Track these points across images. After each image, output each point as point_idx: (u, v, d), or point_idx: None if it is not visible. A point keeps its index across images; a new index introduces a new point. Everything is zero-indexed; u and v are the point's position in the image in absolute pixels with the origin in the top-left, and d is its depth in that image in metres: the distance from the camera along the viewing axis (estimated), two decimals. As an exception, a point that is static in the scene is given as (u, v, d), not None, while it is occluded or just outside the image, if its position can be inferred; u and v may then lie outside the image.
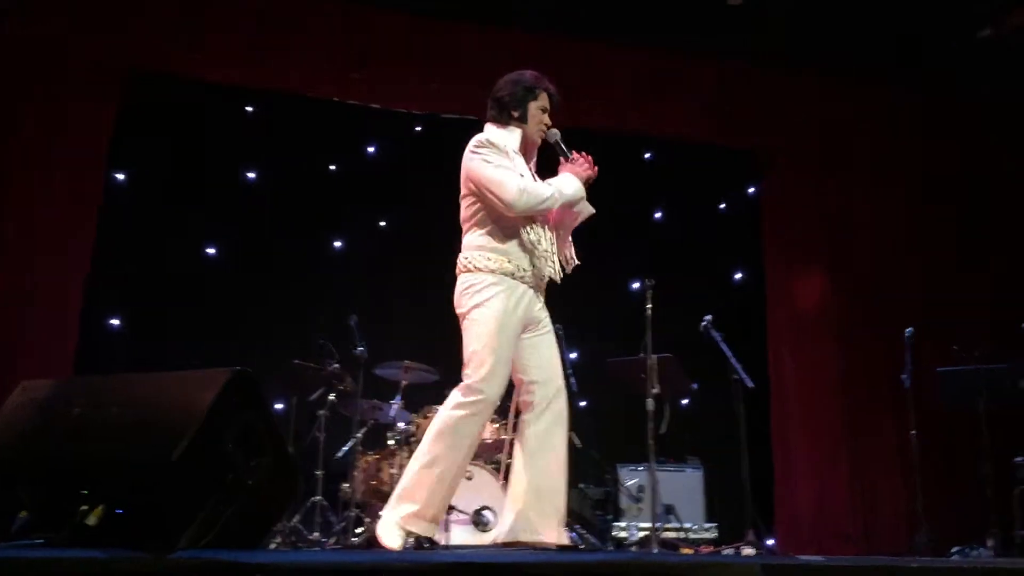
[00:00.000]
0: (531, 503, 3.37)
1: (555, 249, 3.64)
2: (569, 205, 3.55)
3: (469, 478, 5.43)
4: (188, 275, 6.47)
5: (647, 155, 7.70)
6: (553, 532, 3.34)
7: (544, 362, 3.54)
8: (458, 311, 3.49)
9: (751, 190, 7.77)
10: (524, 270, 3.46)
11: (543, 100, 3.64)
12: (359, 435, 5.65)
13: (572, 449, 5.93)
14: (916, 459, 5.93)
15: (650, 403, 5.12)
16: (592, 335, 7.23)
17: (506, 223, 3.46)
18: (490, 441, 5.71)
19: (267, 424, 2.09)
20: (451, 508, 5.22)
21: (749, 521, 5.61)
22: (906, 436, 6.01)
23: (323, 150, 7.04)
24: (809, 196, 7.31)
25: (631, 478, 6.43)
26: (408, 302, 6.98)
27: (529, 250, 3.49)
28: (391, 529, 3.22)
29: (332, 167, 7.06)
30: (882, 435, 6.81)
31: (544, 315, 3.62)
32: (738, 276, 7.75)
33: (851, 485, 6.83)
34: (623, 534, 6.19)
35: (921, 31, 6.82)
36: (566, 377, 5.82)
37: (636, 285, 6.81)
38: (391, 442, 5.61)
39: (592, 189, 7.97)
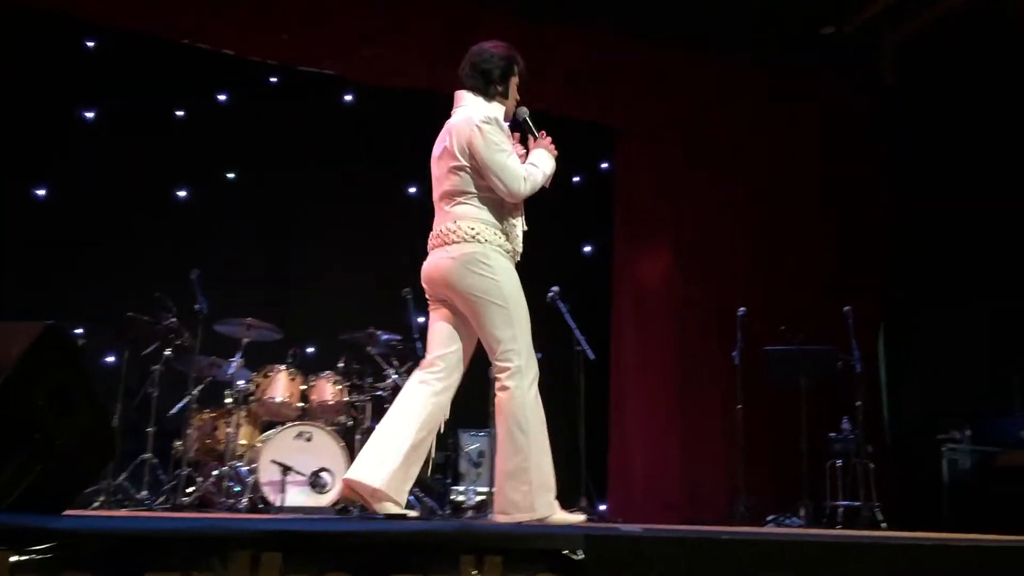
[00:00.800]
0: (414, 474, 3.47)
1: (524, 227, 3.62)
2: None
3: (308, 439, 5.38)
4: (15, 217, 6.06)
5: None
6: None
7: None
8: (468, 285, 3.38)
9: (604, 165, 7.91)
10: (513, 251, 3.49)
11: (518, 77, 3.63)
12: (195, 392, 5.48)
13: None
14: (740, 432, 6.26)
15: (492, 371, 5.19)
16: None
17: (503, 202, 3.45)
18: (331, 403, 5.66)
19: (82, 382, 1.99)
20: (288, 469, 5.17)
21: (583, 488, 5.80)
22: (733, 410, 6.34)
23: (170, 94, 6.71)
24: (659, 174, 7.52)
25: (472, 443, 6.51)
26: (255, 259, 6.80)
27: (515, 231, 3.50)
28: (547, 514, 3.24)
29: (179, 113, 6.74)
30: (712, 409, 7.13)
31: None
32: (587, 249, 7.91)
33: (681, 455, 7.14)
34: (461, 498, 6.27)
35: (779, 17, 7.05)
36: (412, 341, 5.92)
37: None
38: (228, 400, 5.49)
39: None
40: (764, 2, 6.83)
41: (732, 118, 7.61)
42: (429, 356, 3.59)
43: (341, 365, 5.84)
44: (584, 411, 5.93)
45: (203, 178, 6.72)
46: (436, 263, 3.48)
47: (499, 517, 3.28)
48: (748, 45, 7.36)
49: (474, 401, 5.99)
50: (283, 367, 5.64)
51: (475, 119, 3.40)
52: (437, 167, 3.57)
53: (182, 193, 6.70)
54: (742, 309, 6.38)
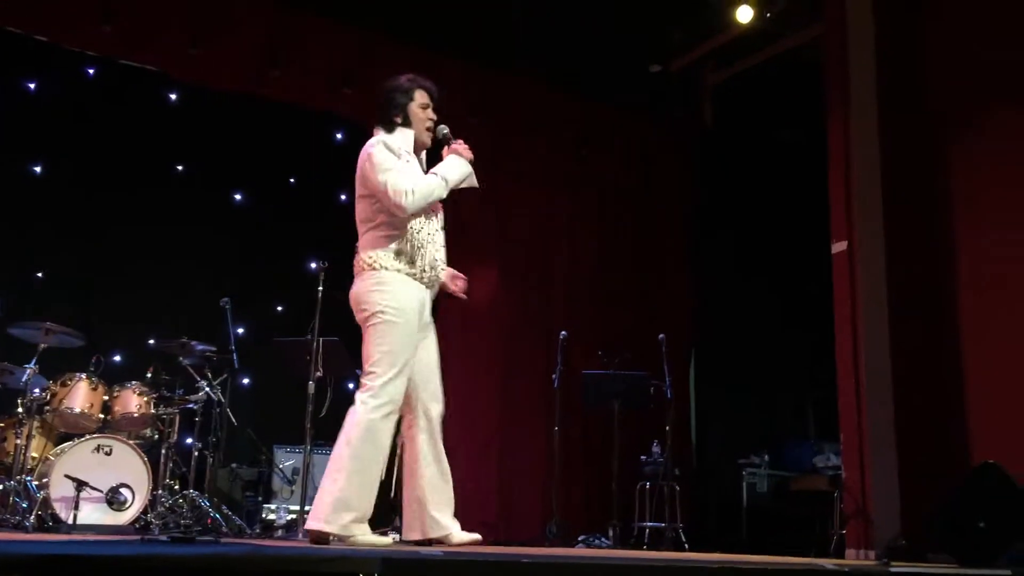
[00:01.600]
0: (432, 502, 3.60)
1: (442, 244, 3.71)
2: (456, 184, 3.63)
3: (108, 453, 5.08)
4: None
5: (338, 135, 7.63)
6: (454, 523, 3.63)
7: (424, 367, 3.61)
8: (362, 308, 3.49)
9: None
10: (423, 271, 3.54)
11: (421, 98, 3.72)
12: (-19, 400, 5.08)
13: (229, 428, 5.81)
14: (557, 453, 6.38)
15: (311, 386, 5.09)
16: (264, 312, 7.06)
17: (413, 227, 3.53)
18: (136, 415, 5.38)
19: None
20: (82, 484, 4.86)
21: (397, 508, 5.74)
22: (550, 431, 6.45)
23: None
24: (487, 197, 7.56)
25: (287, 460, 6.35)
26: (58, 259, 6.39)
27: (426, 250, 3.56)
28: (343, 535, 3.25)
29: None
30: (532, 429, 7.22)
31: (430, 319, 3.68)
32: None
33: (499, 475, 7.19)
34: (272, 516, 6.09)
35: (610, 52, 7.27)
36: (229, 352, 5.72)
37: (313, 266, 6.73)
38: (20, 409, 5.10)
39: (280, 165, 7.71)
40: (596, 37, 7.03)
41: (560, 147, 7.78)
42: None
43: (149, 375, 5.56)
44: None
45: (4, 170, 6.27)
46: (350, 291, 3.61)
47: (307, 523, 3.37)
48: (580, 78, 7.55)
49: (291, 417, 5.88)
50: (84, 375, 5.30)
51: (367, 147, 3.55)
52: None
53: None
54: (564, 333, 6.52)
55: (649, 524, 6.48)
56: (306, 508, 5.17)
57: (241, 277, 6.74)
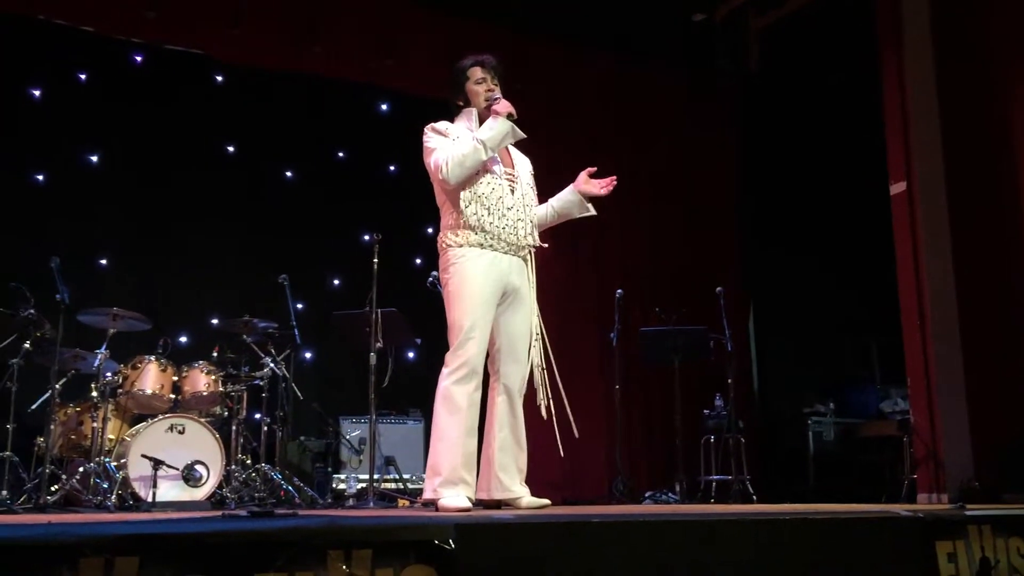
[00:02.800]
0: (500, 463, 3.61)
1: (529, 212, 3.72)
2: (497, 143, 3.60)
3: (181, 432, 5.22)
4: None
5: (383, 107, 7.64)
6: (521, 488, 3.66)
7: (509, 335, 3.64)
8: (442, 284, 3.65)
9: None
10: (492, 238, 3.58)
11: (475, 74, 3.78)
12: (57, 386, 5.22)
13: (295, 401, 5.92)
14: (619, 411, 6.39)
15: (373, 357, 5.15)
16: (322, 287, 7.15)
17: (465, 197, 3.57)
18: (205, 394, 5.51)
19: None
20: (159, 463, 5.00)
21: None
22: (612, 390, 6.46)
23: (26, 74, 6.36)
24: (537, 159, 7.53)
25: (353, 430, 6.46)
26: (121, 245, 6.53)
27: (494, 217, 3.59)
28: (433, 498, 3.41)
29: (36, 93, 6.40)
30: (592, 389, 7.22)
31: (522, 282, 3.68)
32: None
33: (562, 435, 7.21)
34: (342, 486, 6.21)
35: (652, 5, 7.13)
36: (290, 328, 5.81)
37: (367, 238, 6.78)
38: (94, 393, 5.26)
39: (328, 140, 7.70)
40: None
41: (604, 105, 7.70)
42: None
43: (215, 354, 5.68)
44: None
45: (63, 161, 6.41)
46: None
47: None
48: (622, 33, 7.43)
49: (354, 389, 5.97)
50: (152, 358, 5.44)
51: None
52: None
53: (40, 177, 6.38)
54: (619, 291, 6.50)
55: (716, 477, 6.47)
56: (375, 477, 5.30)
57: (297, 253, 6.83)
